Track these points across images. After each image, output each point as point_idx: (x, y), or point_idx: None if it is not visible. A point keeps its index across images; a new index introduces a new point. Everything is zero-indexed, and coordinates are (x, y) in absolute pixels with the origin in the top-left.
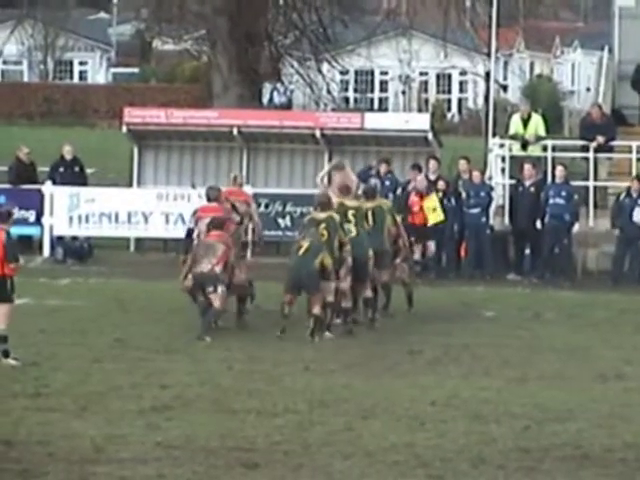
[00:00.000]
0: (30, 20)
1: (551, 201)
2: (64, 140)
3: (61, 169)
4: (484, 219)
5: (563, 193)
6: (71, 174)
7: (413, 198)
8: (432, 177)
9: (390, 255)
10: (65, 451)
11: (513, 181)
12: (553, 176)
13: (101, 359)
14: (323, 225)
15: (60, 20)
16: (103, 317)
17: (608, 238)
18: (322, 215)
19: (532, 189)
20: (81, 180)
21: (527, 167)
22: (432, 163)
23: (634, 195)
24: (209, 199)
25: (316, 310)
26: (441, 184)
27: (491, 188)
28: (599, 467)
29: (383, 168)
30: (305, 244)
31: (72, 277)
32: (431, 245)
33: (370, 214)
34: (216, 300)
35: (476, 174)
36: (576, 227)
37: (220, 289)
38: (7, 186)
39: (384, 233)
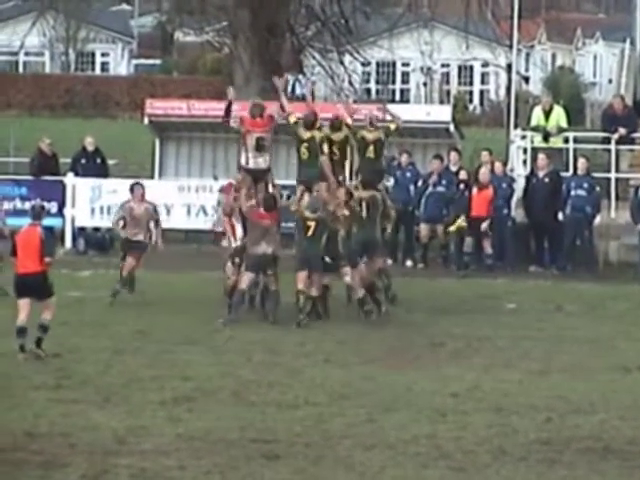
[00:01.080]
0: (52, 12)
1: (573, 193)
2: (86, 132)
3: (83, 160)
4: (506, 211)
5: (585, 185)
6: (93, 166)
7: (474, 191)
8: (453, 168)
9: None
10: (87, 442)
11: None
12: (575, 168)
13: (123, 351)
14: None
15: (82, 12)
16: (124, 309)
17: (629, 230)
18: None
19: (547, 180)
20: (103, 172)
21: (541, 157)
22: (453, 155)
23: None
24: (253, 116)
25: (314, 292)
26: (463, 174)
27: (512, 180)
28: (621, 459)
29: (404, 159)
30: (312, 223)
31: (94, 269)
32: (487, 246)
33: (365, 204)
34: (273, 284)
35: (497, 165)
36: (597, 219)
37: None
38: (29, 178)
39: (377, 223)
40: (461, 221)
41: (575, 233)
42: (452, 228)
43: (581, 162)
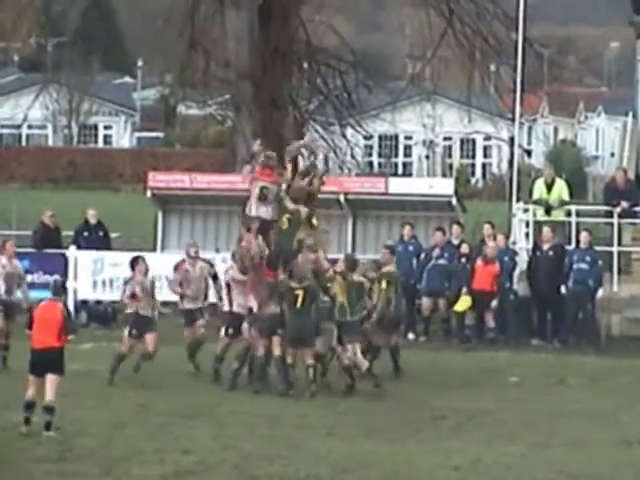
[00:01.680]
0: (55, 84)
1: (575, 266)
2: (88, 204)
3: (85, 233)
4: (508, 284)
5: (587, 258)
6: (95, 238)
7: (479, 264)
8: (455, 242)
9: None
10: None
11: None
12: (577, 241)
13: (124, 424)
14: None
15: (84, 84)
16: (126, 382)
17: (632, 303)
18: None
19: (551, 253)
20: (105, 244)
21: (545, 230)
22: (455, 228)
23: None
24: (264, 165)
25: (310, 360)
26: (464, 248)
27: (515, 253)
28: None
29: (407, 232)
30: (300, 292)
31: (96, 341)
32: (490, 320)
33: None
34: (278, 348)
35: (500, 239)
36: (600, 292)
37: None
38: (32, 250)
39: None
40: (466, 300)
41: (578, 306)
42: (459, 307)
43: (583, 235)
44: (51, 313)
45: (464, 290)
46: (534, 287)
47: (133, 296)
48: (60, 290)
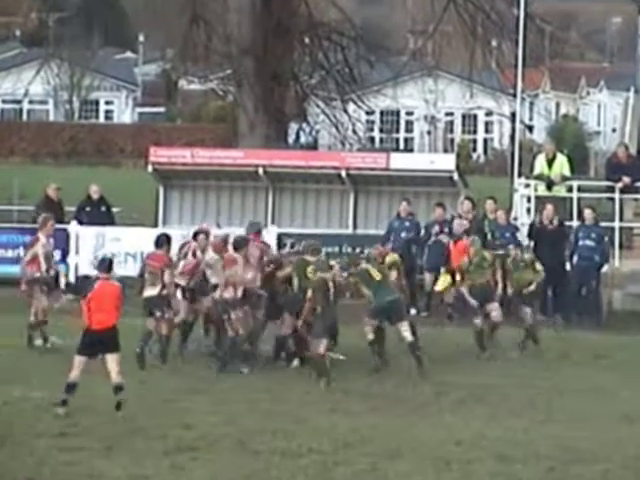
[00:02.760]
0: (56, 60)
1: (581, 243)
2: (89, 180)
3: (88, 208)
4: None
5: (593, 235)
6: (98, 213)
7: (450, 243)
8: (469, 217)
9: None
10: None
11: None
12: (579, 217)
13: (126, 400)
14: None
15: (86, 60)
16: (128, 357)
17: (634, 279)
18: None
19: (553, 229)
20: (108, 220)
21: (548, 208)
22: (466, 204)
23: None
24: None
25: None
26: (465, 223)
27: (516, 228)
28: None
29: (404, 208)
30: (331, 284)
31: None
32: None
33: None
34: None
35: (500, 214)
36: (605, 268)
37: None
38: (34, 225)
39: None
40: (445, 279)
41: (582, 282)
42: (439, 287)
43: (587, 212)
44: (108, 292)
45: (442, 270)
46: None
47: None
48: (111, 267)
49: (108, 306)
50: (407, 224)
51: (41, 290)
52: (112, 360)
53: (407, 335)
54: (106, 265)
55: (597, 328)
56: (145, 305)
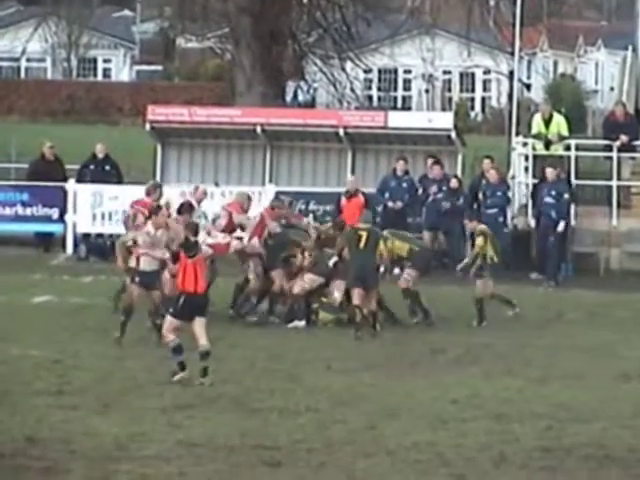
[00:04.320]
0: (54, 17)
1: (543, 200)
2: (88, 138)
3: (92, 167)
4: (501, 219)
5: (553, 192)
6: (101, 172)
7: (343, 201)
8: (430, 176)
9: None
10: (87, 449)
11: (536, 180)
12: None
13: (123, 357)
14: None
15: (84, 18)
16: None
17: (631, 238)
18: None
19: (553, 190)
20: (112, 178)
21: (549, 171)
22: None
23: None
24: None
25: (373, 306)
26: (454, 183)
27: (508, 187)
28: (621, 467)
29: (400, 167)
30: (363, 233)
31: (95, 275)
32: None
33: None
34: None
35: (492, 173)
36: (561, 226)
37: None
38: (31, 183)
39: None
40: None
41: (544, 239)
42: None
43: (549, 170)
44: (201, 258)
45: None
46: (537, 223)
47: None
48: (197, 232)
49: (203, 271)
50: (404, 185)
51: None
52: (201, 324)
53: (373, 304)
54: (196, 229)
55: (590, 286)
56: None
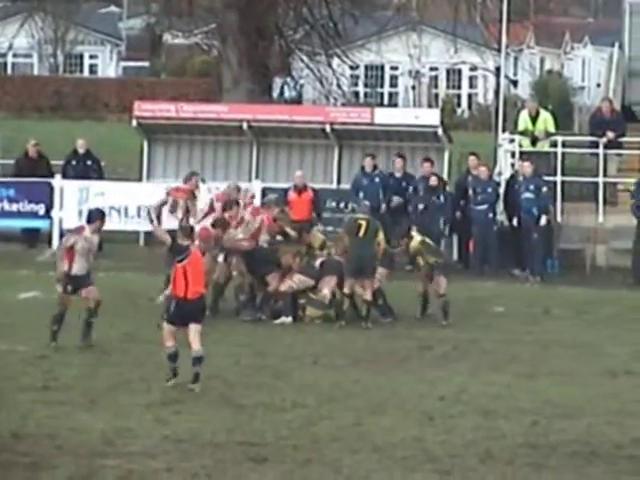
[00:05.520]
0: (40, 13)
1: (522, 196)
2: (74, 134)
3: (74, 162)
4: (491, 215)
5: (531, 187)
6: (83, 167)
7: (292, 195)
8: (397, 175)
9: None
10: (73, 444)
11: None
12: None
13: (110, 353)
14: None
15: (70, 13)
16: (112, 311)
17: (618, 234)
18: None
19: (532, 185)
20: (94, 173)
21: (526, 165)
22: (398, 161)
23: None
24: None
25: (368, 296)
26: (433, 180)
27: (497, 184)
28: (607, 464)
29: (368, 163)
30: (362, 222)
31: None
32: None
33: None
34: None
35: (483, 170)
36: (543, 220)
37: None
38: (18, 180)
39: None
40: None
41: (526, 235)
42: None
43: (526, 165)
44: (200, 262)
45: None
46: (511, 218)
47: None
48: (190, 234)
49: (200, 275)
50: (377, 180)
51: None
52: (196, 331)
53: (368, 294)
54: (186, 232)
55: (578, 283)
56: None
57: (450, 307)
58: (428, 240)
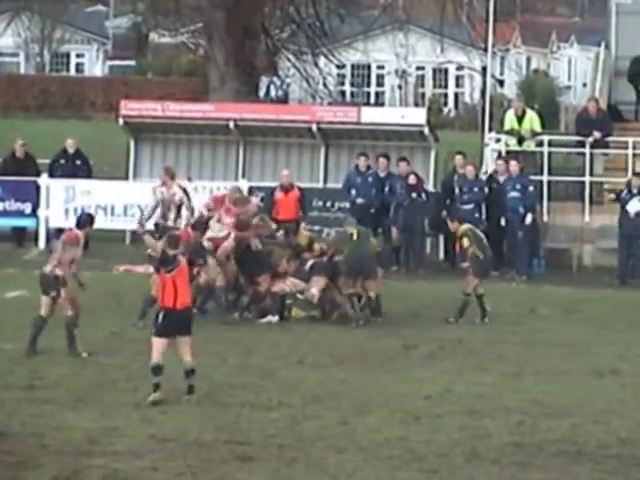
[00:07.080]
0: (27, 12)
1: (508, 195)
2: (61, 133)
3: (62, 161)
4: (477, 214)
5: (518, 186)
6: (72, 167)
7: (279, 195)
8: (382, 174)
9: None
10: (59, 443)
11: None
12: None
13: (96, 352)
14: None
15: (57, 12)
16: (99, 310)
17: (604, 234)
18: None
19: (518, 184)
20: (82, 173)
21: (512, 164)
22: (381, 161)
23: (634, 191)
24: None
25: (372, 294)
26: (412, 179)
27: (484, 183)
28: (593, 463)
29: (362, 163)
30: (354, 231)
31: None
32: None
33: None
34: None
35: (470, 169)
36: (529, 218)
37: None
38: (4, 178)
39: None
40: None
41: (512, 233)
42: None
43: (512, 163)
44: (186, 272)
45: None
46: (490, 218)
47: None
48: (176, 244)
49: (186, 285)
50: (370, 179)
51: None
52: (186, 342)
53: (372, 292)
54: (172, 242)
55: (564, 282)
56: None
57: (436, 307)
58: (478, 232)
